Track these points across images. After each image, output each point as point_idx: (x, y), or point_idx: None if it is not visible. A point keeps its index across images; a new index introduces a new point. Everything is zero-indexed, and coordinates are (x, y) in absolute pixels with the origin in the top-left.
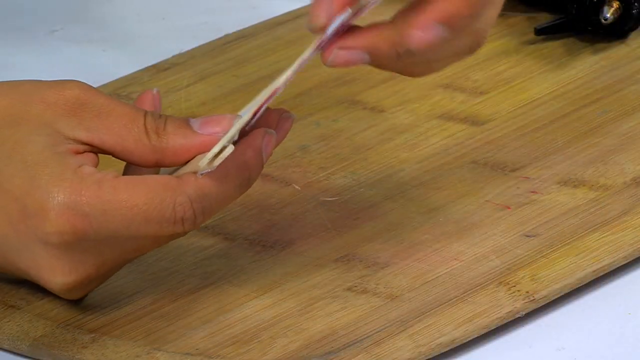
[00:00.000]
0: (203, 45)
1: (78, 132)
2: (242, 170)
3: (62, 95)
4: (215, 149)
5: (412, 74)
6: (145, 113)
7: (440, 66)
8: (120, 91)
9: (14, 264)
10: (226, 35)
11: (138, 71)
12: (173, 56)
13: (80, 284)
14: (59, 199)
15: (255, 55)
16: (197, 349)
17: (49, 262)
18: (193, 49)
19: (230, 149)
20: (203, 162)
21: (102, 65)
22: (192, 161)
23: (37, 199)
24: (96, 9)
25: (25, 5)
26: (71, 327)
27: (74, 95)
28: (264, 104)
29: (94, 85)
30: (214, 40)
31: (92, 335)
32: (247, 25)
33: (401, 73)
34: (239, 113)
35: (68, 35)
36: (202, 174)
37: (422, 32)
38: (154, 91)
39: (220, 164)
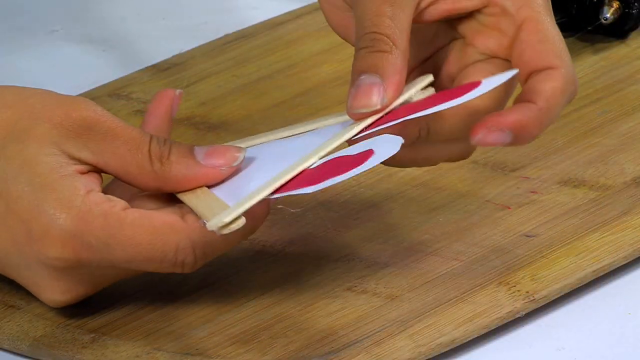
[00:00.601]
0: (203, 45)
1: (84, 154)
2: (247, 221)
3: (69, 116)
4: (227, 219)
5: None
6: (151, 139)
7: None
8: (120, 91)
9: (15, 277)
10: (226, 35)
11: (138, 71)
12: (173, 56)
13: (74, 300)
14: (65, 226)
15: (255, 55)
16: (197, 349)
17: (49, 282)
18: (193, 49)
19: (242, 222)
20: (213, 222)
21: (102, 65)
22: (199, 196)
23: (43, 223)
24: (96, 9)
25: (25, 5)
26: (71, 327)
27: (81, 117)
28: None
29: (94, 85)
30: (214, 40)
31: (92, 335)
32: (247, 25)
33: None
34: (242, 145)
35: (68, 35)
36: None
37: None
38: (177, 92)
39: None
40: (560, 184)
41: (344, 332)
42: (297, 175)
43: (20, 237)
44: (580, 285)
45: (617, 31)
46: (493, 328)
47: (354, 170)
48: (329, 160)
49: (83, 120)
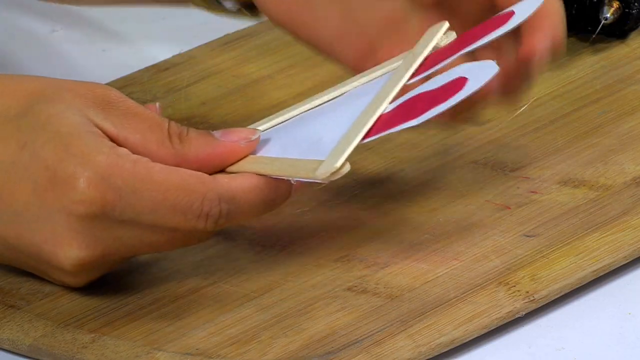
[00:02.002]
0: (203, 45)
1: (106, 125)
2: (271, 191)
3: (92, 90)
4: (338, 163)
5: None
6: (169, 120)
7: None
8: (121, 91)
9: (28, 237)
10: (226, 35)
11: (138, 71)
12: (173, 56)
13: (90, 263)
14: (93, 168)
15: (255, 55)
16: (197, 349)
17: (68, 234)
18: (193, 49)
19: (349, 167)
20: (323, 170)
21: (102, 65)
22: (264, 162)
23: (70, 166)
24: (96, 9)
25: (25, 5)
26: (71, 327)
27: (102, 93)
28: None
29: None
30: (214, 40)
31: (92, 335)
32: (247, 26)
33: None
34: (258, 127)
35: (68, 35)
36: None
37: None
38: (157, 105)
39: (253, 177)
40: (560, 184)
41: (343, 332)
42: (377, 121)
43: (43, 184)
44: (580, 285)
45: (617, 31)
46: (493, 328)
47: (455, 97)
48: (406, 101)
49: (104, 95)
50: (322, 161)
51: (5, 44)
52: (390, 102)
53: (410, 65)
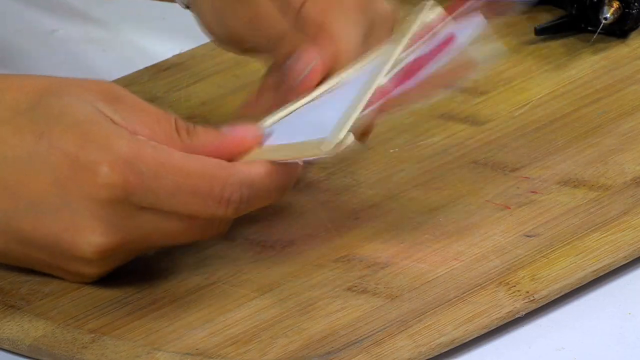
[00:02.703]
0: (203, 45)
1: (116, 117)
2: (283, 175)
3: (99, 85)
4: (341, 135)
5: None
6: (175, 116)
7: None
8: None
9: (46, 227)
10: None
11: (138, 71)
12: (173, 56)
13: (110, 250)
14: (116, 152)
15: None
16: (197, 349)
17: (90, 221)
18: (193, 49)
19: (353, 138)
20: (327, 142)
21: (102, 65)
22: (275, 149)
23: (92, 152)
24: (96, 9)
25: (25, 5)
26: (71, 327)
27: (109, 88)
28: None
29: None
30: (214, 40)
31: (92, 335)
32: None
33: None
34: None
35: (68, 35)
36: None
37: None
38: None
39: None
40: (560, 184)
41: (344, 332)
42: (375, 93)
43: (64, 173)
44: (580, 285)
45: (617, 31)
46: (493, 328)
47: (445, 52)
48: (399, 70)
49: (112, 90)
50: (326, 138)
51: (6, 44)
52: (385, 76)
53: (399, 42)
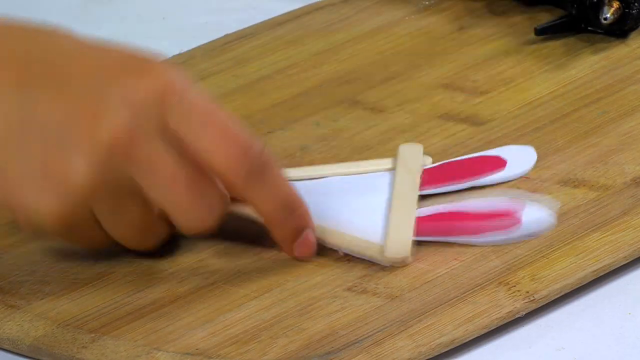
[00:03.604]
0: (203, 45)
1: None
2: (293, 200)
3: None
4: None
5: None
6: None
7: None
8: None
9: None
10: (226, 35)
11: None
12: (173, 56)
13: (91, 187)
14: (157, 74)
15: (255, 55)
16: (197, 349)
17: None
18: (193, 49)
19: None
20: (390, 256)
21: None
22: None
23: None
24: (96, 9)
25: (26, 5)
26: (71, 327)
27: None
28: None
29: None
30: (214, 40)
31: (92, 335)
32: (247, 25)
33: None
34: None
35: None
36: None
37: None
38: None
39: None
40: (560, 184)
41: (344, 332)
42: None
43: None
44: (580, 285)
45: (617, 31)
46: (493, 328)
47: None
48: (439, 214)
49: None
50: (385, 244)
51: None
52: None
53: (413, 179)
